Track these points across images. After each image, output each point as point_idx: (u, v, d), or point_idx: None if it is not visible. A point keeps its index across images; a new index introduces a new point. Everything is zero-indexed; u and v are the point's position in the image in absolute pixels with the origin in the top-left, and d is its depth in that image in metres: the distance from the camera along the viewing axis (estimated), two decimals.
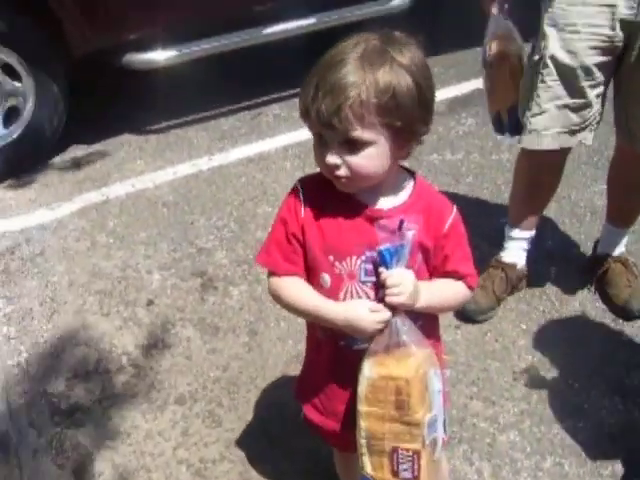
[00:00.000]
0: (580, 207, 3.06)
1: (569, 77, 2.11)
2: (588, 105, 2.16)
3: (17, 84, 3.31)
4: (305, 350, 1.58)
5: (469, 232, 1.42)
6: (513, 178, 2.51)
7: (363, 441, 1.33)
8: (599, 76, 2.12)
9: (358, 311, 1.30)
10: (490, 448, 2.04)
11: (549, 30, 2.10)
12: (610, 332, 2.43)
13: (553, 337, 2.41)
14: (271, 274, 1.41)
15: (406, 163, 1.38)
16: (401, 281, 1.27)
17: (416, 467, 1.31)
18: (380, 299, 1.30)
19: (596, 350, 2.36)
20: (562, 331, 2.44)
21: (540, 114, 2.19)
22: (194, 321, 2.51)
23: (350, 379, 1.34)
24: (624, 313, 2.47)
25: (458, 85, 3.90)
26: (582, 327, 2.45)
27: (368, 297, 1.33)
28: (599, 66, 2.10)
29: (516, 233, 2.51)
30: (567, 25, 2.07)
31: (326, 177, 1.31)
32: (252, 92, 3.99)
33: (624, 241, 2.58)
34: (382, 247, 1.27)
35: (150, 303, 2.60)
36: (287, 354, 2.36)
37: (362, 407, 1.32)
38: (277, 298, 1.43)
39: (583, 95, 2.14)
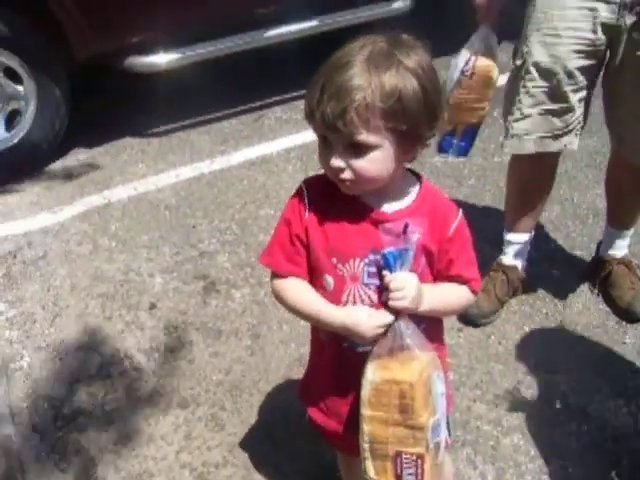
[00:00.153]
0: (582, 209, 3.05)
1: (551, 82, 2.12)
2: (571, 109, 2.16)
3: (19, 87, 3.31)
4: (309, 352, 1.58)
5: (471, 234, 1.41)
6: (506, 183, 2.52)
7: (366, 445, 1.32)
8: (582, 80, 2.12)
9: (357, 316, 1.30)
10: (494, 451, 2.04)
11: (531, 34, 2.11)
12: (613, 334, 2.42)
13: (556, 340, 2.41)
14: (274, 275, 1.41)
15: (409, 165, 1.38)
16: (405, 285, 1.27)
17: (420, 471, 1.31)
18: (383, 302, 1.30)
19: (599, 353, 2.35)
20: (565, 333, 2.43)
21: (522, 119, 2.19)
22: (196, 324, 2.51)
23: (353, 381, 1.34)
24: (627, 315, 2.47)
25: None
26: (585, 329, 2.45)
27: (371, 300, 1.33)
28: (582, 70, 2.10)
29: (513, 237, 2.51)
30: (549, 29, 2.08)
31: (330, 179, 1.31)
32: (254, 95, 3.99)
33: (626, 242, 2.57)
34: (386, 250, 1.26)
35: (152, 307, 2.60)
36: (290, 357, 2.36)
37: (365, 411, 1.31)
38: (279, 299, 1.42)
39: (565, 100, 2.14)
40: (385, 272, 1.28)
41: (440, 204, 1.38)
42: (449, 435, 1.50)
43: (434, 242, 1.34)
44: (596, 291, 2.58)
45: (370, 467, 1.34)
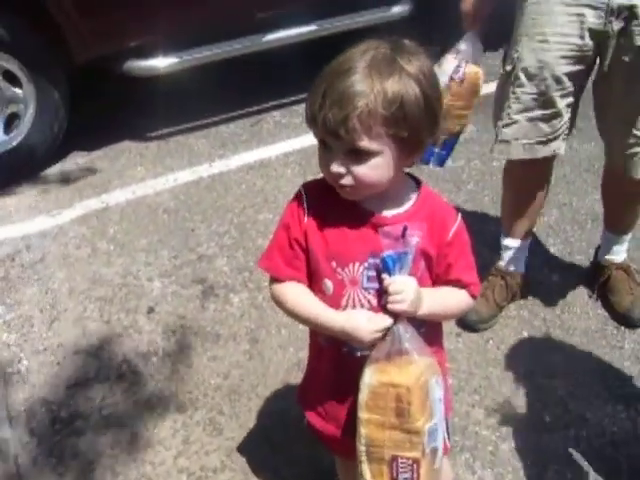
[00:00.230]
0: (581, 214, 3.06)
1: (540, 87, 2.12)
2: (559, 115, 2.17)
3: (18, 91, 3.32)
4: (307, 356, 1.57)
5: (470, 239, 1.41)
6: (502, 188, 2.53)
7: (363, 448, 1.32)
8: (570, 85, 2.13)
9: (357, 320, 1.30)
10: (492, 457, 2.04)
11: (521, 40, 2.12)
12: (612, 339, 2.42)
13: (555, 344, 2.41)
14: (273, 279, 1.41)
15: (407, 170, 1.38)
16: (403, 288, 1.27)
17: (415, 476, 1.30)
18: (382, 306, 1.30)
19: (598, 358, 2.35)
20: (564, 338, 2.43)
21: (511, 124, 2.20)
22: (195, 328, 2.51)
23: (352, 386, 1.33)
24: (625, 320, 2.47)
25: None
26: (584, 334, 2.45)
27: (370, 304, 1.33)
28: (569, 75, 2.11)
29: (510, 242, 2.51)
30: (537, 35, 2.09)
31: (329, 183, 1.31)
32: (252, 99, 4.00)
33: (625, 247, 2.57)
34: (385, 254, 1.26)
35: (151, 310, 2.59)
36: (288, 362, 2.35)
37: (362, 414, 1.31)
38: (278, 303, 1.42)
39: (553, 105, 2.15)
40: (384, 275, 1.28)
41: (439, 208, 1.38)
42: (448, 439, 1.50)
43: (433, 246, 1.34)
44: (595, 296, 2.58)
45: (366, 470, 1.33)
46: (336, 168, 1.25)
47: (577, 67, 2.10)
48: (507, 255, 2.54)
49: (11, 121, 3.37)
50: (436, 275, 1.38)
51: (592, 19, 2.01)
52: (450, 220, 1.37)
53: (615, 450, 2.05)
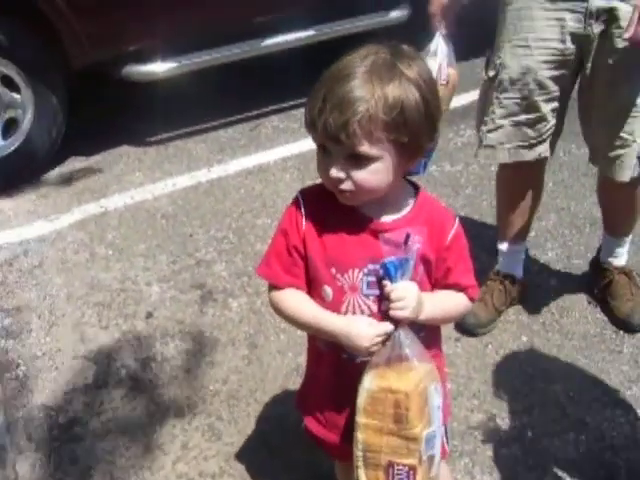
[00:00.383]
0: (579, 218, 3.06)
1: (523, 92, 2.13)
2: (543, 119, 2.18)
3: (16, 96, 3.32)
4: (306, 362, 1.57)
5: (468, 243, 1.41)
6: (495, 193, 2.53)
7: (359, 453, 1.32)
8: (554, 90, 2.13)
9: (357, 326, 1.30)
10: (492, 462, 2.03)
11: (503, 46, 2.13)
12: (611, 344, 2.42)
13: (554, 349, 2.40)
14: (272, 286, 1.41)
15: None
16: (406, 295, 1.27)
17: None
18: (383, 312, 1.30)
19: (597, 362, 2.35)
20: (563, 343, 2.43)
21: (495, 130, 2.21)
22: (193, 334, 2.50)
23: (352, 392, 1.33)
24: (625, 326, 2.46)
25: (456, 97, 3.88)
26: (583, 339, 2.44)
27: (370, 310, 1.32)
28: (553, 80, 2.11)
29: (506, 246, 2.52)
30: (519, 40, 2.10)
31: (327, 189, 1.31)
32: (251, 104, 4.00)
33: (626, 249, 2.55)
34: (387, 260, 1.26)
35: (149, 315, 2.59)
36: (287, 367, 2.35)
37: (360, 419, 1.30)
38: (278, 310, 1.42)
39: (537, 109, 2.16)
40: (385, 282, 1.28)
41: (437, 213, 1.38)
42: (447, 443, 1.49)
43: (432, 251, 1.34)
44: (595, 300, 2.57)
45: (362, 476, 1.33)
46: (336, 173, 1.25)
47: (560, 71, 2.11)
48: (504, 259, 2.54)
49: (9, 126, 3.37)
50: (435, 279, 1.38)
51: (572, 23, 2.03)
52: (448, 224, 1.37)
53: (614, 454, 2.04)
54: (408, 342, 1.28)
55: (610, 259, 2.55)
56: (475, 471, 2.00)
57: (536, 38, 2.07)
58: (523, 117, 2.17)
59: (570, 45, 2.06)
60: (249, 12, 3.70)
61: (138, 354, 2.42)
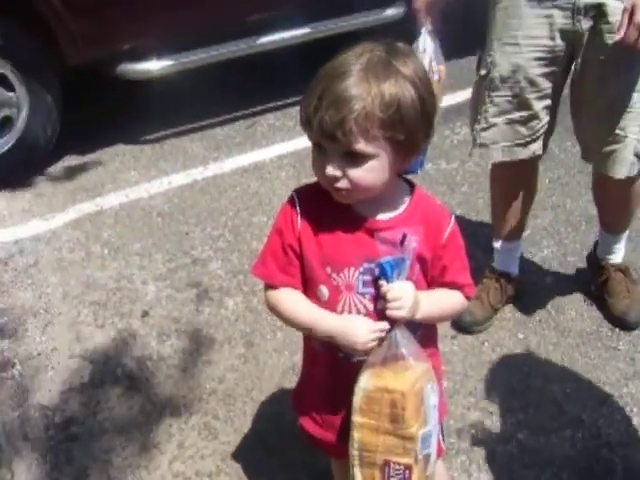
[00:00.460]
0: (575, 215, 3.06)
1: (514, 90, 2.13)
2: (536, 117, 2.18)
3: (10, 94, 3.31)
4: (302, 362, 1.57)
5: (464, 241, 1.41)
6: (490, 191, 2.53)
7: (355, 452, 1.32)
8: (545, 87, 2.14)
9: (353, 324, 1.30)
10: (488, 459, 2.03)
11: (493, 44, 2.13)
12: (607, 341, 2.42)
13: (550, 346, 2.41)
14: (268, 286, 1.40)
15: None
16: (402, 294, 1.27)
17: None
18: (379, 311, 1.30)
19: (593, 359, 2.35)
20: (559, 340, 2.43)
21: (488, 128, 2.21)
22: (189, 332, 2.50)
23: (348, 391, 1.33)
24: (621, 323, 2.46)
25: (452, 94, 3.90)
26: (579, 336, 2.45)
27: (366, 309, 1.32)
28: (543, 77, 2.12)
29: (501, 244, 2.52)
30: (509, 38, 2.10)
31: (322, 187, 1.30)
32: (247, 102, 3.99)
33: (622, 245, 2.54)
34: (383, 260, 1.26)
35: (145, 314, 2.58)
36: (283, 365, 2.35)
37: (356, 418, 1.30)
38: (274, 311, 1.42)
39: (529, 107, 2.16)
40: (381, 281, 1.27)
41: (433, 211, 1.38)
42: (443, 441, 1.49)
43: (428, 249, 1.34)
44: (591, 298, 2.57)
45: (358, 474, 1.33)
46: (332, 171, 1.24)
47: (550, 68, 2.11)
48: (499, 257, 2.54)
49: (4, 125, 3.36)
50: (431, 277, 1.38)
51: (561, 20, 2.03)
52: (444, 222, 1.36)
53: (611, 451, 2.05)
54: (404, 341, 1.28)
55: (606, 256, 2.55)
56: (472, 469, 2.00)
57: (525, 36, 2.07)
58: (516, 115, 2.17)
59: (559, 42, 2.06)
60: (244, 10, 3.70)
61: (134, 353, 2.42)
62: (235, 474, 2.01)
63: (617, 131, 2.09)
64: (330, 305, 1.33)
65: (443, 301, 1.39)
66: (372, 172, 1.24)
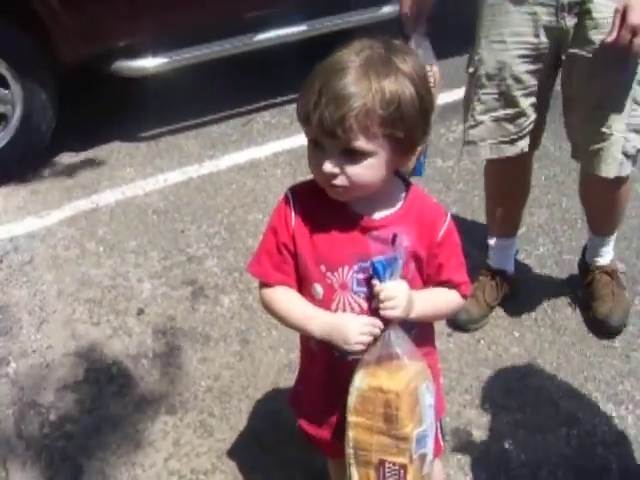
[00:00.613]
0: (571, 213, 3.06)
1: (501, 88, 2.14)
2: (522, 114, 2.18)
3: (5, 91, 3.29)
4: (299, 360, 1.57)
5: (460, 238, 1.41)
6: (484, 189, 2.53)
7: (351, 451, 1.32)
8: (531, 85, 2.14)
9: (346, 321, 1.30)
10: (484, 457, 2.03)
11: (481, 42, 2.14)
12: (603, 338, 2.42)
13: (545, 344, 2.41)
14: (262, 284, 1.40)
15: None
16: (396, 294, 1.26)
17: None
18: (374, 310, 1.29)
19: (589, 357, 2.35)
20: (554, 338, 2.43)
21: (476, 126, 2.21)
22: (185, 330, 2.50)
23: (344, 390, 1.32)
24: (602, 327, 2.41)
25: (448, 92, 3.88)
26: (574, 334, 2.45)
27: (361, 307, 1.32)
28: (529, 74, 2.12)
29: (495, 242, 2.52)
30: (495, 35, 2.10)
31: (317, 185, 1.30)
32: (242, 99, 3.99)
33: (610, 248, 2.52)
34: (375, 260, 1.25)
35: (140, 312, 2.58)
36: (279, 363, 2.34)
37: (351, 417, 1.30)
38: (268, 309, 1.41)
39: (516, 104, 2.16)
40: (375, 282, 1.27)
41: (428, 209, 1.38)
42: (442, 440, 1.49)
43: (423, 247, 1.34)
44: (578, 303, 2.54)
45: (354, 473, 1.33)
46: (330, 168, 1.23)
47: (536, 65, 2.11)
48: (494, 255, 2.54)
49: None
50: (427, 275, 1.38)
51: (545, 17, 2.03)
52: (440, 220, 1.36)
53: (606, 449, 2.05)
54: (399, 341, 1.27)
55: (594, 258, 2.52)
56: (467, 467, 2.00)
57: (511, 33, 2.08)
58: (502, 112, 2.17)
59: (544, 39, 2.06)
60: (240, 7, 3.69)
61: (129, 351, 2.42)
62: (230, 472, 2.00)
63: (603, 129, 2.07)
64: (324, 304, 1.33)
65: (438, 300, 1.39)
66: (370, 169, 1.24)
